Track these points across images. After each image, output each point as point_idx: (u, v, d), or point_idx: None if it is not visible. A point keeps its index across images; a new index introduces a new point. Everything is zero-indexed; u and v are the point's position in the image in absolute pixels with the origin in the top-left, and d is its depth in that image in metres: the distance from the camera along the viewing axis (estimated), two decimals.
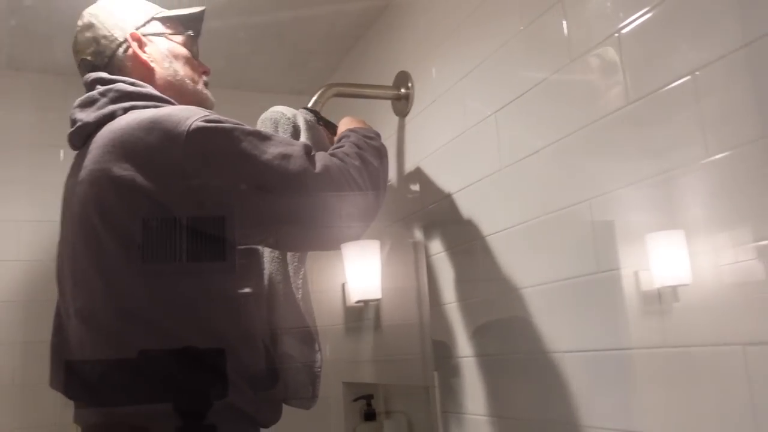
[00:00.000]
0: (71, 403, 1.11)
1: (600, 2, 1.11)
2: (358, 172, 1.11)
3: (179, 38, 1.22)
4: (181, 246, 1.02)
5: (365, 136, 1.24)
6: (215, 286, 1.06)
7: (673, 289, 0.99)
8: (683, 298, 0.97)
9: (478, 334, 1.44)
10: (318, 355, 1.29)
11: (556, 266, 1.19)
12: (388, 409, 1.92)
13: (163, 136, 0.98)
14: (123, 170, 0.99)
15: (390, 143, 1.85)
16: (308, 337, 1.30)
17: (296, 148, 1.06)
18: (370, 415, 1.92)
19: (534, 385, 1.24)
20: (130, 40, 1.16)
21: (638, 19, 1.04)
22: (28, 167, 2.07)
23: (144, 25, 1.19)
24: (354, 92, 1.74)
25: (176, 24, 1.23)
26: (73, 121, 1.13)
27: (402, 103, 1.77)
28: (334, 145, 1.23)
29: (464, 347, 1.49)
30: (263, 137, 1.04)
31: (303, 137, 1.34)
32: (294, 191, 1.03)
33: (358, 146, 1.18)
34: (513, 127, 1.33)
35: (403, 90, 1.76)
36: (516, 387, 1.30)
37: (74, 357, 1.08)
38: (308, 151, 1.07)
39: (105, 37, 1.16)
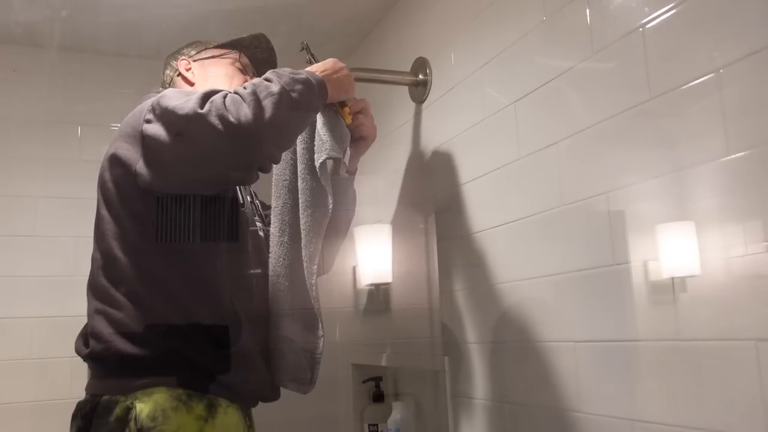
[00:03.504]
0: (85, 375, 1.20)
1: None
2: (247, 98, 1.07)
3: (226, 58, 1.44)
4: (148, 215, 1.16)
5: (292, 72, 1.18)
6: (180, 257, 1.17)
7: (682, 280, 1.00)
8: (692, 289, 0.98)
9: (488, 320, 1.46)
10: (321, 341, 1.32)
11: (570, 257, 1.21)
12: (396, 391, 1.95)
13: (138, 115, 1.16)
14: (113, 148, 1.18)
15: (406, 129, 1.86)
16: (312, 322, 1.33)
17: (198, 92, 1.10)
18: (378, 397, 1.95)
19: (543, 373, 1.26)
20: (178, 64, 1.43)
21: (663, 14, 1.04)
22: (45, 144, 2.09)
23: (197, 53, 1.44)
24: (371, 77, 1.74)
25: (226, 48, 1.45)
26: None
27: (419, 90, 1.78)
28: None
29: (474, 333, 1.51)
30: (187, 93, 1.13)
31: (320, 126, 1.35)
32: (187, 130, 1.08)
33: (265, 77, 1.15)
34: (532, 118, 1.34)
35: (420, 76, 1.76)
36: (525, 374, 1.32)
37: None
38: (209, 91, 1.09)
39: (167, 69, 1.45)
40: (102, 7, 1.92)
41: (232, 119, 1.04)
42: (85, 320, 1.21)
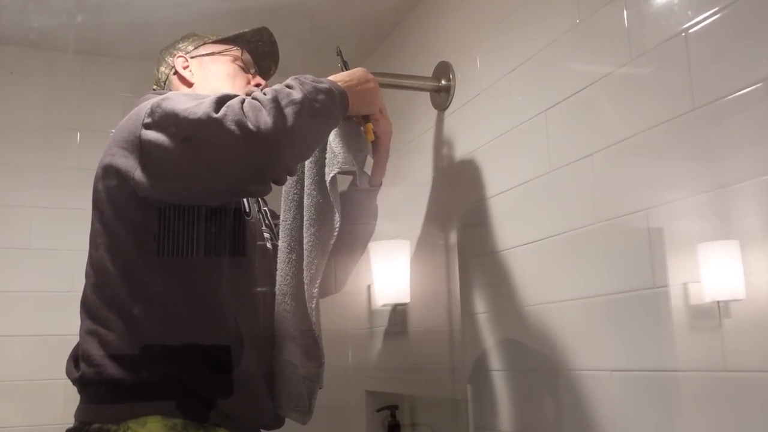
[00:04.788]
0: (75, 399, 1.21)
1: None
2: (267, 105, 1.07)
3: (228, 55, 1.42)
4: (148, 228, 1.15)
5: (314, 80, 1.18)
6: (181, 273, 1.17)
7: (726, 304, 1.00)
8: (736, 314, 0.98)
9: (514, 346, 1.46)
10: (320, 370, 1.33)
11: (605, 279, 1.21)
12: (413, 421, 1.95)
13: (135, 119, 1.15)
14: (107, 156, 1.18)
15: (427, 138, 1.87)
16: (313, 348, 1.33)
17: (211, 96, 1.09)
18: (394, 427, 1.95)
19: (575, 404, 1.26)
20: (174, 60, 1.41)
21: (708, 18, 1.05)
22: (42, 151, 2.13)
23: (195, 49, 1.43)
24: (389, 82, 1.75)
25: (226, 44, 1.44)
26: None
27: (442, 96, 1.79)
28: None
29: (499, 359, 1.51)
30: (198, 97, 1.13)
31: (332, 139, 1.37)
32: (198, 136, 1.07)
33: (286, 84, 1.15)
34: (564, 128, 1.35)
35: (443, 82, 1.78)
36: (555, 405, 1.32)
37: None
38: (223, 96, 1.09)
39: (162, 66, 1.43)
40: (104, 7, 1.95)
41: (250, 126, 1.04)
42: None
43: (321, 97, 1.15)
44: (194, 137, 1.07)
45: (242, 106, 1.06)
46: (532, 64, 1.45)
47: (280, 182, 1.16)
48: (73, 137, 2.19)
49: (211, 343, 1.17)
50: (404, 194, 1.95)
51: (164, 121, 1.10)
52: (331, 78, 1.25)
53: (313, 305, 1.32)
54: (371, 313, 2.10)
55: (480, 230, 1.61)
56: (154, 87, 1.43)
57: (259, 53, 1.49)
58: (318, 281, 1.32)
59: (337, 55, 1.51)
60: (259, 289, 1.34)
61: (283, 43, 2.23)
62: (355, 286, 2.04)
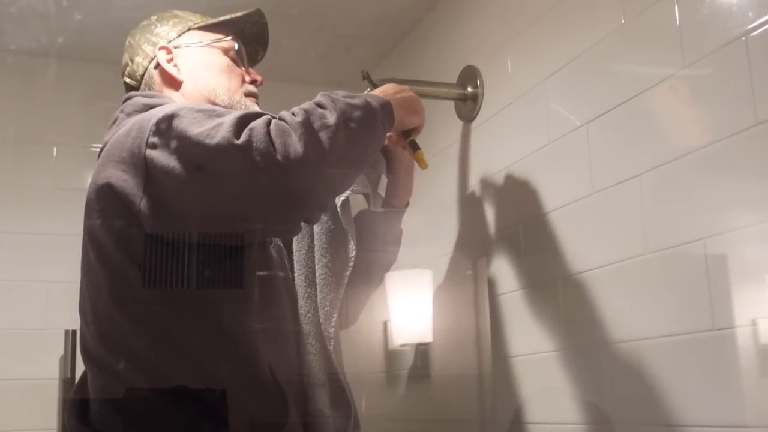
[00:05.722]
0: None
1: None
2: (297, 130, 1.05)
3: (218, 46, 1.36)
4: (160, 264, 1.13)
5: (346, 95, 1.16)
6: (206, 316, 1.15)
7: None
8: None
9: (555, 395, 1.46)
10: (350, 420, 1.32)
11: (659, 319, 1.21)
12: None
13: (135, 137, 1.13)
14: (103, 177, 1.15)
15: (451, 152, 1.89)
16: (340, 394, 1.33)
17: (230, 116, 1.08)
18: None
19: None
20: (157, 52, 1.32)
21: None
22: (13, 168, 2.16)
23: (178, 36, 1.35)
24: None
25: (216, 32, 1.37)
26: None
27: (468, 105, 1.81)
28: None
29: (537, 411, 1.51)
30: (213, 114, 1.11)
31: None
32: (218, 164, 1.06)
33: (317, 102, 1.13)
34: (609, 143, 1.35)
35: (469, 89, 1.79)
36: None
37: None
38: (245, 116, 1.07)
39: (138, 55, 1.35)
40: (83, 5, 1.99)
41: (278, 156, 1.02)
42: (55, 384, 1.22)
43: (358, 114, 1.12)
44: (211, 167, 1.06)
45: (268, 131, 1.04)
46: (572, 69, 1.46)
47: (312, 221, 1.15)
48: (49, 152, 2.22)
49: (246, 393, 1.15)
50: (426, 217, 1.96)
51: (174, 143, 1.08)
52: (363, 94, 1.24)
53: (332, 346, 1.33)
54: (388, 354, 2.10)
55: (513, 260, 1.61)
56: (128, 80, 1.36)
57: (246, 35, 1.41)
58: (334, 319, 1.34)
59: (364, 78, 1.52)
60: (287, 328, 1.33)
61: (288, 43, 2.28)
62: (370, 322, 2.05)
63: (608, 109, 1.35)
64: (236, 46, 1.37)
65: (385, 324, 2.05)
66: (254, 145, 1.02)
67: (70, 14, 2.04)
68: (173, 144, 1.08)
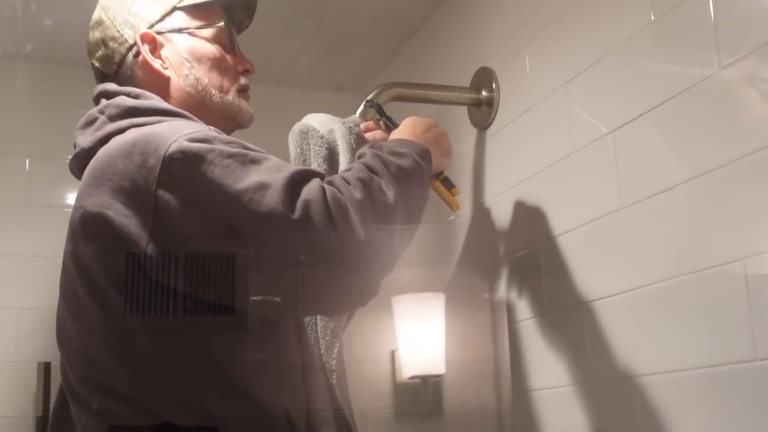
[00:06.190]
0: None
1: None
2: (357, 209, 1.08)
3: (208, 32, 1.30)
4: (159, 303, 1.12)
5: (392, 152, 1.20)
6: (203, 354, 1.15)
7: None
8: None
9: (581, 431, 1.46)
10: None
11: (695, 348, 1.21)
12: None
13: (139, 164, 1.09)
14: (97, 205, 1.12)
15: (464, 163, 1.89)
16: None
17: (279, 176, 1.08)
18: None
19: None
20: (139, 42, 1.25)
21: None
22: None
23: (162, 19, 1.28)
24: (417, 95, 1.78)
25: (207, 13, 1.30)
26: (74, 146, 1.25)
27: (482, 111, 1.82)
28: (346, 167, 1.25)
29: None
30: (247, 160, 1.10)
31: (343, 161, 1.38)
32: (263, 234, 1.06)
33: (370, 168, 1.16)
34: (638, 152, 1.36)
35: (484, 93, 1.80)
36: None
37: None
38: (295, 181, 1.08)
39: (114, 38, 1.27)
40: (54, 8, 2.00)
41: (339, 239, 1.05)
42: (28, 423, 1.20)
43: (412, 183, 1.18)
44: (254, 235, 1.06)
45: (328, 208, 1.05)
46: (597, 70, 1.47)
47: (363, 304, 1.16)
48: (21, 165, 2.23)
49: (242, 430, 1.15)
50: (437, 235, 1.96)
51: (200, 193, 1.07)
52: (399, 139, 1.29)
53: (335, 380, 1.33)
54: (396, 387, 2.09)
55: (534, 282, 1.62)
56: (98, 65, 1.29)
57: (230, 4, 1.35)
58: (336, 349, 1.34)
59: (375, 110, 1.52)
60: (290, 360, 1.32)
61: (284, 44, 2.29)
62: (375, 352, 2.05)
63: (637, 115, 1.36)
64: (226, 28, 1.31)
65: (392, 354, 2.05)
66: (314, 223, 1.04)
67: (40, 18, 2.04)
68: (198, 192, 1.08)
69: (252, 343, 1.20)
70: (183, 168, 1.07)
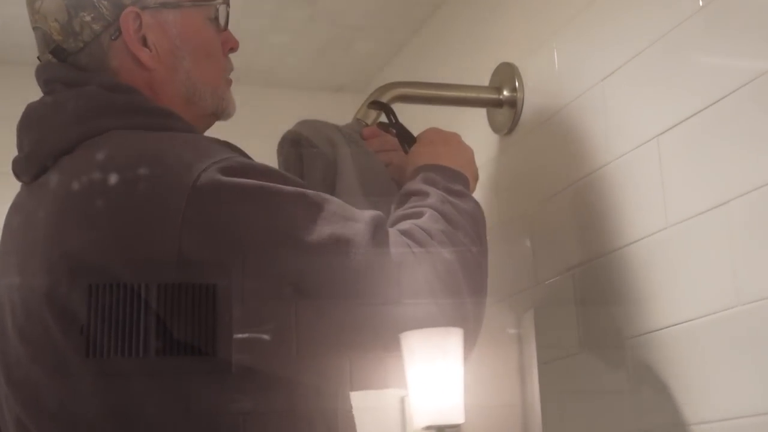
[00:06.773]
0: None
1: None
2: (449, 272, 1.15)
3: (203, 9, 1.25)
4: (165, 359, 1.08)
5: (450, 191, 1.25)
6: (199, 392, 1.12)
7: None
8: None
9: None
10: None
11: (760, 391, 1.19)
12: None
13: (150, 194, 1.05)
14: (89, 251, 1.07)
15: (483, 174, 1.86)
16: None
17: (359, 226, 1.09)
18: None
19: None
20: (124, 23, 1.16)
21: None
22: None
23: None
24: (428, 95, 1.78)
25: None
26: (19, 143, 1.20)
27: (504, 114, 1.81)
28: (402, 209, 1.24)
29: None
30: (311, 202, 1.08)
31: (344, 180, 1.38)
32: (354, 298, 1.08)
33: (445, 216, 1.20)
34: (687, 161, 1.35)
35: (505, 93, 1.80)
36: None
37: None
38: (377, 228, 1.10)
39: (86, 8, 1.16)
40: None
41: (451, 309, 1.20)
42: None
43: (480, 229, 1.28)
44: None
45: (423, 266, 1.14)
46: (638, 66, 1.46)
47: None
48: None
49: None
50: None
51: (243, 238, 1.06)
52: (428, 162, 1.33)
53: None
54: None
55: (567, 314, 1.61)
56: (55, 36, 1.18)
57: None
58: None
59: (384, 113, 1.54)
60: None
61: (273, 38, 2.29)
62: (382, 399, 2.04)
63: (685, 117, 1.35)
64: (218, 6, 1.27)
65: (402, 400, 2.05)
66: (413, 278, 1.14)
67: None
68: (250, 239, 1.06)
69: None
70: (222, 204, 1.05)
